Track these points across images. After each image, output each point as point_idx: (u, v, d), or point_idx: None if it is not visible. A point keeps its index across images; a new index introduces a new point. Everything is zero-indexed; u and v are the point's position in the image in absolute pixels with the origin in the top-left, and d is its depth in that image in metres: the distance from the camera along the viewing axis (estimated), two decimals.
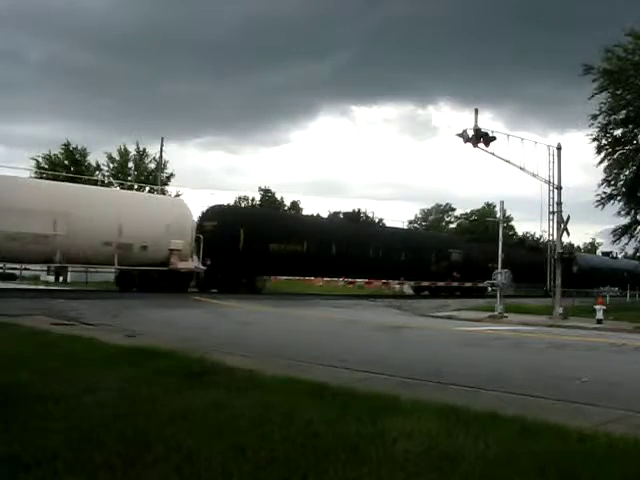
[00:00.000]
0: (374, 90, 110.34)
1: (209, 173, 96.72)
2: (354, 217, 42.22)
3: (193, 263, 25.08)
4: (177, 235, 24.04)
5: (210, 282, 26.90)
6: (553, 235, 22.01)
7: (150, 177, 39.68)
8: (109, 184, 38.98)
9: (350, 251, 31.87)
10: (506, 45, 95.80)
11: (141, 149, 40.15)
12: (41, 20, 77.87)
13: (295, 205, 58.26)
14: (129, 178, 39.39)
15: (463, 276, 38.02)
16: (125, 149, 39.80)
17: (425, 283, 37.24)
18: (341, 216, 42.49)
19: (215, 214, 28.92)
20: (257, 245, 27.53)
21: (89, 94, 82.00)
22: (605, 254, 64.16)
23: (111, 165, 39.60)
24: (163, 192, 38.00)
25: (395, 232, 41.76)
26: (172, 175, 40.70)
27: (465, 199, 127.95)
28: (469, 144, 20.24)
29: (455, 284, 37.58)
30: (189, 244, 24.76)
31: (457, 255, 38.91)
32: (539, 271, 38.01)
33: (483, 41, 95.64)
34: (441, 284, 36.93)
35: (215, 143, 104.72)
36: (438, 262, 37.41)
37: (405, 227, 54.97)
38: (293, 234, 29.70)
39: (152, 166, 40.23)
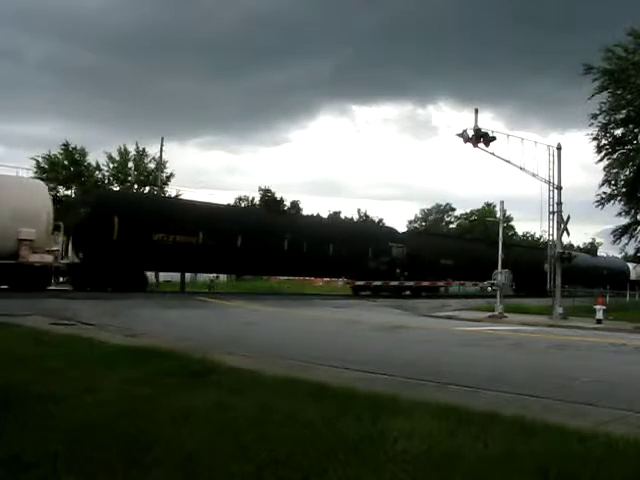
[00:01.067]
0: (374, 89, 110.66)
1: (209, 173, 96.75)
2: (272, 205, 36.36)
3: (50, 256, 21.40)
4: (28, 222, 20.29)
5: (86, 278, 23.86)
6: (553, 235, 22.01)
7: (150, 177, 39.66)
8: (109, 184, 39.01)
9: (260, 244, 26.99)
10: (506, 44, 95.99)
11: (140, 149, 40.15)
12: (40, 19, 77.95)
13: (295, 205, 58.27)
14: (129, 178, 39.38)
15: (411, 274, 34.05)
16: (125, 149, 39.81)
17: (360, 282, 32.88)
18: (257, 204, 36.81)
19: (89, 199, 25.98)
20: (136, 235, 23.91)
21: (88, 94, 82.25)
22: (586, 251, 63.01)
23: (111, 165, 39.58)
24: (163, 192, 38.02)
25: (321, 222, 37.70)
26: (172, 175, 40.71)
27: (465, 199, 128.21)
28: (469, 144, 20.26)
29: (395, 283, 33.00)
30: (44, 233, 21.02)
31: (399, 250, 34.33)
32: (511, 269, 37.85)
33: (483, 40, 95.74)
34: (378, 283, 32.26)
35: (215, 143, 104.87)
36: (377, 258, 32.82)
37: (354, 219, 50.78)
38: (185, 223, 25.59)
39: (152, 166, 40.22)
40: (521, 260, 38.36)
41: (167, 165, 40.23)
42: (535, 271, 36.77)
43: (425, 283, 34.61)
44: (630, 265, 56.48)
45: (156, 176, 38.64)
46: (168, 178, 40.18)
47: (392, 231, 39.33)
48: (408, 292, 34.67)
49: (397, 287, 33.52)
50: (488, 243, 41.53)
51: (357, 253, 31.51)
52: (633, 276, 55.06)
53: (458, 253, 38.31)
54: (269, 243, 27.49)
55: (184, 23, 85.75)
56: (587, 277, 46.15)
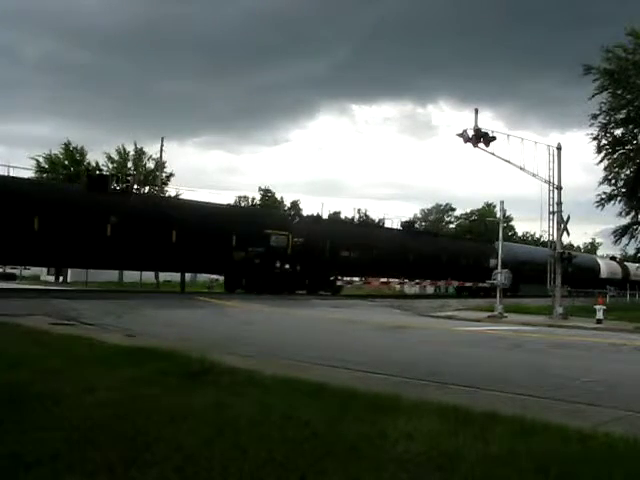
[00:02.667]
0: (373, 89, 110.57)
1: (208, 173, 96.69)
2: (97, 182, 24.52)
3: None
4: None
5: None
6: (553, 235, 22.01)
7: (150, 177, 39.65)
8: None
9: (59, 227, 20.49)
10: (506, 44, 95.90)
11: (138, 148, 40.16)
12: (38, 18, 77.86)
13: (295, 205, 58.30)
14: (128, 178, 39.35)
15: (305, 268, 28.78)
16: (124, 149, 39.82)
17: (218, 277, 27.77)
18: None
19: None
20: None
21: (87, 93, 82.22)
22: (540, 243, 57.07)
23: (110, 165, 39.58)
24: (162, 192, 38.02)
25: (158, 202, 27.94)
26: (172, 175, 40.72)
27: (465, 199, 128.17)
28: (469, 144, 20.24)
29: (281, 278, 27.41)
30: None
31: (280, 239, 27.44)
32: (440, 263, 34.53)
33: (483, 39, 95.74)
34: (257, 278, 26.66)
35: (214, 142, 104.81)
36: (245, 247, 26.05)
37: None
38: None
39: (150, 165, 40.23)
40: (461, 254, 37.00)
41: (167, 165, 40.27)
42: (477, 267, 35.45)
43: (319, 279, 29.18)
44: (601, 262, 53.31)
45: (156, 176, 38.66)
46: (168, 178, 40.21)
47: (279, 216, 34.05)
48: (303, 291, 29.06)
49: (278, 283, 27.29)
50: (414, 233, 38.28)
51: (214, 242, 24.62)
52: (605, 274, 50.42)
53: (373, 244, 32.13)
54: (85, 227, 21.21)
55: (183, 22, 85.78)
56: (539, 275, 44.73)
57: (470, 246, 40.89)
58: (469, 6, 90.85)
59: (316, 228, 30.54)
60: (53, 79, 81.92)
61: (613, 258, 58.45)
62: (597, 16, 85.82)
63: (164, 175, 39.59)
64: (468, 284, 39.28)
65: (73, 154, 38.31)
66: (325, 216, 38.93)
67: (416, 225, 50.31)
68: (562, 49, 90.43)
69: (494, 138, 20.44)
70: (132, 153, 40.05)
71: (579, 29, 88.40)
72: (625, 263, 57.31)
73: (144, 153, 40.12)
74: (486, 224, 54.68)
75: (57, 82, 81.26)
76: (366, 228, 38.89)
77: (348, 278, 33.56)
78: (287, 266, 28.28)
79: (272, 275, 27.32)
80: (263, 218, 29.70)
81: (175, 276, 31.43)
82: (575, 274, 44.54)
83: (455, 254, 36.94)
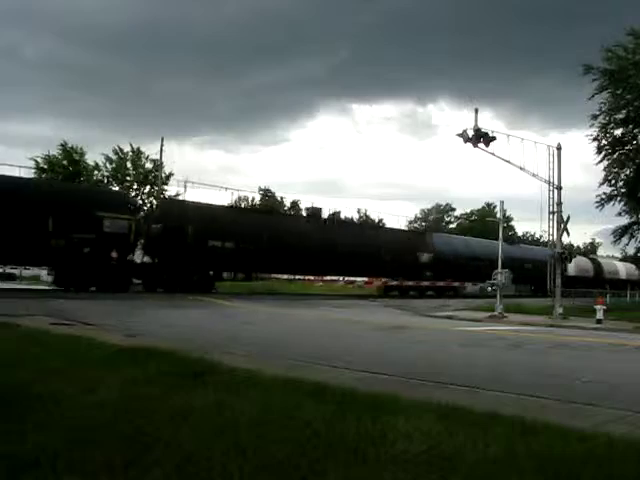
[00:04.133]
0: (373, 88, 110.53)
1: (207, 172, 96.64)
2: None
3: None
4: None
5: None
6: (553, 235, 22.00)
7: (149, 177, 39.64)
8: (108, 184, 39.02)
9: None
10: (506, 43, 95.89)
11: (135, 148, 40.14)
12: (37, 17, 77.80)
13: (295, 205, 58.29)
14: (127, 178, 39.39)
15: (164, 262, 24.59)
16: (120, 149, 39.82)
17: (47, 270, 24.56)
18: None
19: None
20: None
21: (87, 93, 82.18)
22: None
23: (109, 166, 39.60)
24: (162, 192, 38.03)
25: None
26: (171, 174, 40.69)
27: (465, 199, 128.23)
28: (469, 144, 20.25)
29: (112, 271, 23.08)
30: None
31: (116, 224, 23.28)
32: (368, 257, 30.87)
33: (483, 39, 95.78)
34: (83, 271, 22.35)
35: (213, 142, 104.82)
36: (67, 233, 21.85)
37: None
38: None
39: (149, 165, 40.22)
40: (386, 247, 33.23)
41: (166, 164, 40.25)
42: (408, 262, 33.17)
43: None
44: None
45: (155, 175, 38.66)
46: (167, 177, 40.19)
47: (118, 197, 28.27)
48: (162, 289, 24.83)
49: (118, 278, 23.37)
50: (321, 222, 32.45)
51: (24, 226, 20.54)
52: (572, 271, 44.92)
53: (259, 233, 27.49)
54: None
55: (182, 22, 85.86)
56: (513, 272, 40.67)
57: (400, 238, 36.18)
58: (469, 6, 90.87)
59: (177, 213, 25.67)
60: (52, 78, 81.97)
61: (585, 255, 55.83)
62: (597, 15, 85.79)
63: (164, 175, 39.57)
64: (393, 282, 35.08)
65: (71, 154, 38.30)
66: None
67: (344, 216, 44.70)
68: (562, 49, 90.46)
69: (494, 138, 20.45)
70: (130, 153, 40.07)
71: (579, 29, 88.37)
72: (599, 260, 54.07)
73: (142, 153, 40.13)
74: (486, 224, 54.69)
75: (56, 81, 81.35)
76: (253, 215, 32.88)
77: (226, 274, 30.00)
78: (137, 257, 24.70)
79: (108, 268, 23.03)
80: (93, 198, 24.52)
81: None
82: (535, 271, 39.66)
83: (377, 247, 32.68)
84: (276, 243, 27.86)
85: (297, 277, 40.37)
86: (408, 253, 34.03)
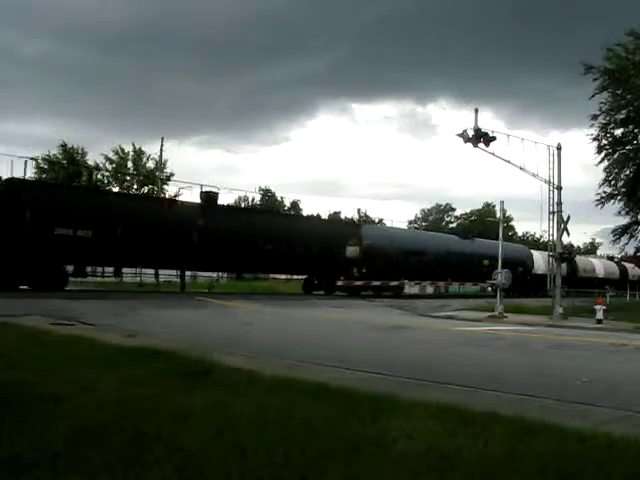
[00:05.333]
0: (373, 87, 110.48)
1: (207, 172, 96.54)
2: None
3: None
4: None
5: None
6: (553, 235, 22.01)
7: (150, 176, 39.63)
8: (108, 184, 39.02)
9: None
10: (506, 42, 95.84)
11: (137, 148, 40.15)
12: (36, 17, 77.70)
13: (295, 205, 58.32)
14: (127, 178, 39.38)
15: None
16: (122, 149, 39.82)
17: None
18: None
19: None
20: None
21: (86, 92, 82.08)
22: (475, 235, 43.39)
23: (109, 166, 39.60)
24: (163, 192, 38.03)
25: None
26: (172, 174, 40.68)
27: (465, 199, 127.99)
28: (469, 144, 20.25)
29: None
30: None
31: None
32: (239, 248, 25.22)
33: (483, 38, 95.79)
34: None
35: (213, 142, 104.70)
36: None
37: None
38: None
39: (150, 165, 40.22)
40: (301, 239, 28.24)
41: (167, 165, 40.23)
42: (330, 258, 28.67)
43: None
44: (536, 254, 43.38)
45: (155, 175, 38.66)
46: (168, 178, 40.19)
47: None
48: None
49: None
50: (213, 208, 27.30)
51: None
52: (542, 269, 40.30)
53: (122, 218, 23.15)
54: None
55: (182, 21, 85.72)
56: (460, 269, 33.96)
57: (321, 229, 31.24)
58: (469, 5, 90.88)
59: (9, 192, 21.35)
60: (51, 78, 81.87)
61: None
62: (597, 15, 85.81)
63: (164, 175, 39.58)
64: (316, 281, 31.04)
65: (71, 154, 38.29)
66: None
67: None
68: (563, 48, 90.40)
69: (494, 138, 20.45)
70: (132, 153, 40.06)
71: (580, 28, 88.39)
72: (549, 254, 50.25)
73: (143, 153, 40.15)
74: (486, 224, 54.66)
75: (55, 81, 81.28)
76: (122, 199, 27.31)
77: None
78: None
79: None
80: None
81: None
82: (496, 268, 36.20)
83: (289, 239, 27.86)
84: (144, 233, 23.25)
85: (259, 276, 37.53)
86: (335, 247, 29.08)
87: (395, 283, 31.23)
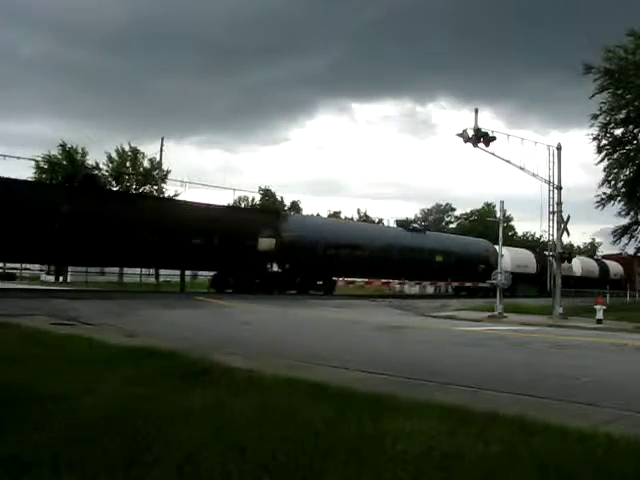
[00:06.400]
0: (373, 87, 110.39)
1: (206, 172, 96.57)
2: None
3: None
4: None
5: None
6: (553, 235, 22.01)
7: (147, 176, 39.58)
8: (108, 184, 38.99)
9: None
10: (506, 42, 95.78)
11: (133, 147, 40.11)
12: (35, 16, 77.63)
13: (295, 205, 58.31)
14: (126, 177, 39.35)
15: None
16: (122, 149, 39.81)
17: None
18: None
19: None
20: None
21: (85, 92, 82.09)
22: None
23: (109, 166, 39.57)
24: (161, 191, 38.00)
25: None
26: (168, 172, 40.57)
27: (465, 199, 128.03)
28: (469, 144, 20.26)
29: None
30: None
31: None
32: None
33: (483, 38, 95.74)
34: None
35: (212, 142, 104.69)
36: None
37: None
38: None
39: (146, 164, 40.15)
40: (209, 230, 24.90)
41: (164, 163, 40.13)
42: (239, 249, 25.29)
43: None
44: (502, 251, 38.36)
45: (153, 175, 38.62)
46: (165, 176, 40.11)
47: None
48: None
49: None
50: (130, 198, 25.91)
51: None
52: (509, 267, 37.15)
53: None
54: None
55: (181, 20, 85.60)
56: (407, 266, 30.49)
57: (227, 218, 27.48)
58: (469, 4, 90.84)
59: None
60: (50, 78, 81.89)
61: (531, 248, 46.12)
62: (598, 14, 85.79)
63: (162, 174, 39.50)
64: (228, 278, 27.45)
65: (71, 154, 38.28)
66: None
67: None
68: (563, 48, 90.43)
69: (494, 138, 20.46)
70: (129, 153, 40.02)
71: (580, 27, 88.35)
72: (545, 254, 42.55)
73: (139, 152, 40.09)
74: (486, 224, 54.61)
75: (55, 81, 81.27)
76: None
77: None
78: None
79: None
80: None
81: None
82: (455, 266, 32.40)
83: (184, 228, 24.41)
84: None
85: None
86: (248, 239, 25.89)
87: (321, 282, 28.56)
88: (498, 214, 30.05)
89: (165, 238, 23.55)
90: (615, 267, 51.21)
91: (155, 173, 38.53)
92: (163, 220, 24.20)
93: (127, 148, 40.06)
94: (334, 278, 29.23)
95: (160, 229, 23.74)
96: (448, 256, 33.61)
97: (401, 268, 30.55)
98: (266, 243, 25.85)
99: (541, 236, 44.91)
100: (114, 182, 39.27)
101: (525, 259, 41.37)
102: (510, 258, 37.49)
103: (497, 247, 37.42)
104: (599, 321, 18.41)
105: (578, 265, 45.13)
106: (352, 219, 43.35)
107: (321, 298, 26.07)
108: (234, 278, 26.62)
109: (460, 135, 20.33)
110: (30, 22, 78.10)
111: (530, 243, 63.14)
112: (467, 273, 34.00)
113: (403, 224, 36.06)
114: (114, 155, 39.46)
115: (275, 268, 27.09)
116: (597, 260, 51.76)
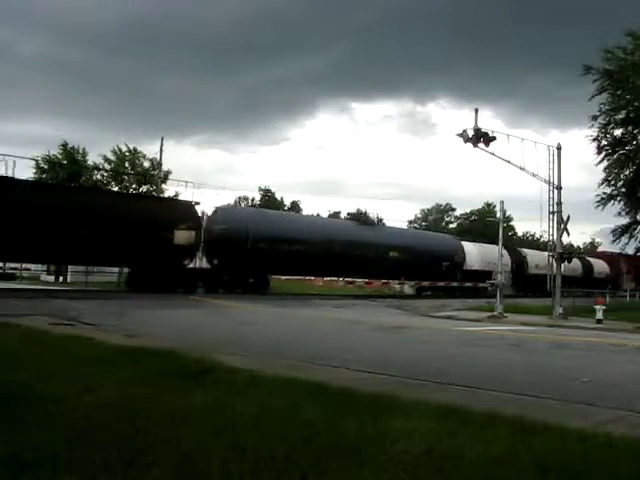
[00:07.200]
0: (372, 87, 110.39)
1: (206, 172, 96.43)
2: None
3: None
4: None
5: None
6: (553, 235, 22.01)
7: (147, 176, 39.59)
8: (107, 184, 39.02)
9: None
10: (506, 41, 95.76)
11: (131, 148, 40.12)
12: (34, 16, 77.57)
13: (295, 205, 58.34)
14: (125, 177, 39.35)
15: None
16: (120, 149, 39.81)
17: None
18: None
19: None
20: None
21: (84, 92, 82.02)
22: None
23: (108, 166, 39.57)
24: (161, 191, 38.01)
25: None
26: (169, 172, 40.60)
27: (465, 199, 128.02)
28: (469, 144, 20.26)
29: None
30: None
31: None
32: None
33: (483, 37, 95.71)
34: None
35: (212, 141, 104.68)
36: None
37: None
38: None
39: (146, 164, 40.16)
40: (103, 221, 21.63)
41: (164, 163, 40.12)
42: (154, 244, 22.44)
43: None
44: (468, 246, 35.86)
45: (152, 175, 38.63)
46: (165, 176, 40.12)
47: None
48: None
49: None
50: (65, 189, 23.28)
51: None
52: (476, 264, 34.62)
53: None
54: None
55: (181, 20, 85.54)
56: (356, 262, 28.04)
57: (136, 209, 23.78)
58: (469, 4, 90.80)
59: None
60: (50, 78, 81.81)
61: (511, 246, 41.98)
62: (597, 14, 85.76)
63: (162, 174, 39.51)
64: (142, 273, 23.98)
65: (72, 154, 38.28)
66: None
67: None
68: (562, 48, 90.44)
69: (494, 138, 20.47)
70: (127, 153, 40.03)
71: (580, 27, 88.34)
72: (523, 250, 41.26)
73: (138, 152, 40.10)
74: (486, 224, 54.57)
75: (55, 81, 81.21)
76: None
77: None
78: None
79: None
80: None
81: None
82: (409, 263, 29.33)
83: (66, 217, 21.19)
84: None
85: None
86: (165, 232, 23.00)
87: (253, 279, 26.13)
88: (498, 214, 29.80)
89: (53, 229, 20.57)
90: (600, 265, 47.97)
91: (155, 173, 38.52)
92: (90, 213, 21.68)
93: (124, 148, 40.08)
94: (269, 276, 27.14)
95: (49, 219, 20.70)
96: (405, 252, 30.18)
97: (345, 265, 27.94)
98: (183, 236, 22.72)
99: (541, 236, 44.73)
100: (113, 182, 39.27)
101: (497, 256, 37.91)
102: (479, 255, 34.40)
103: (463, 244, 34.77)
104: (599, 321, 18.41)
105: None
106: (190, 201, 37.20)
107: (249, 298, 23.25)
108: (149, 275, 23.55)
109: (460, 135, 20.34)
110: (30, 22, 78.10)
111: (530, 243, 63.11)
112: (428, 271, 30.97)
113: (356, 217, 31.89)
114: (110, 155, 39.44)
115: (199, 264, 25.01)
116: (580, 258, 48.98)
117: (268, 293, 26.35)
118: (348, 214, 31.55)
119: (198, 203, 25.47)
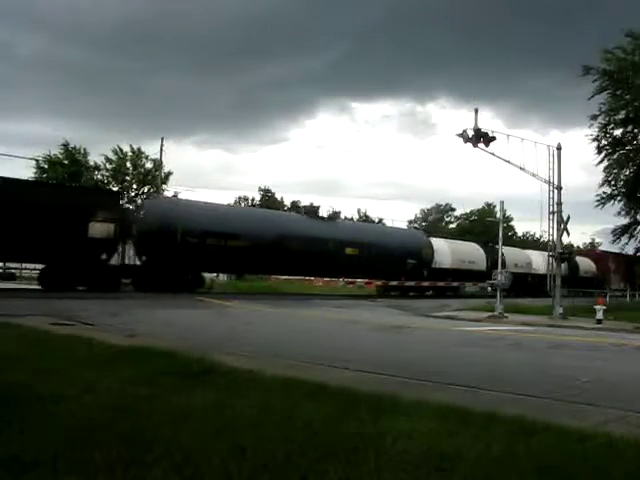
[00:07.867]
0: (372, 86, 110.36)
1: (206, 172, 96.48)
2: None
3: None
4: None
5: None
6: (553, 235, 22.01)
7: (148, 176, 39.62)
8: (108, 184, 39.04)
9: None
10: (506, 41, 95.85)
11: (135, 148, 40.16)
12: (34, 16, 77.55)
13: (295, 205, 58.28)
14: (127, 178, 39.38)
15: None
16: (120, 149, 39.83)
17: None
18: None
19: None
20: None
21: (84, 92, 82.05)
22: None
23: (108, 166, 39.60)
24: (162, 191, 38.03)
25: None
26: (170, 173, 40.66)
27: (465, 199, 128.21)
28: (469, 144, 20.26)
29: None
30: None
31: None
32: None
33: (483, 37, 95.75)
34: None
35: (212, 141, 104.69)
36: None
37: None
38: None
39: (149, 165, 40.22)
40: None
41: (165, 164, 40.21)
42: (76, 237, 20.67)
43: None
44: (438, 243, 32.92)
45: (154, 175, 38.66)
46: (167, 177, 40.18)
47: None
48: None
49: None
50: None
51: None
52: (447, 262, 32.33)
53: None
54: None
55: (181, 20, 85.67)
56: (306, 259, 26.34)
57: (49, 197, 21.60)
58: (469, 4, 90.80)
59: None
60: (50, 78, 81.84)
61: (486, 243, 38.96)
62: (597, 14, 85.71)
63: (163, 174, 39.56)
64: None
65: (73, 154, 38.29)
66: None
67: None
68: (562, 48, 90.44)
69: (494, 138, 20.46)
70: (130, 153, 40.05)
71: (580, 26, 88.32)
72: (502, 248, 35.07)
73: (142, 153, 40.16)
74: (486, 224, 54.55)
75: (55, 81, 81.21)
76: None
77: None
78: None
79: None
80: None
81: None
82: (370, 261, 27.05)
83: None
84: None
85: None
86: (76, 224, 21.06)
87: (186, 277, 24.43)
88: (498, 214, 29.67)
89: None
90: (586, 264, 45.50)
91: (157, 173, 38.55)
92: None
93: (126, 148, 40.10)
94: (205, 274, 25.58)
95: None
96: (364, 249, 27.94)
97: (295, 262, 26.12)
98: (100, 229, 20.75)
99: (541, 236, 44.77)
100: (114, 182, 39.29)
101: (471, 254, 34.64)
102: (449, 252, 31.87)
103: (432, 241, 32.27)
104: (599, 321, 18.41)
105: (540, 261, 37.49)
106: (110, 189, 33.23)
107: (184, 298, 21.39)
108: (64, 272, 21.47)
109: (460, 135, 20.34)
110: (30, 22, 78.11)
111: (530, 243, 63.09)
112: (392, 269, 28.72)
113: (309, 210, 29.00)
114: (111, 155, 39.47)
115: (127, 260, 23.48)
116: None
117: (205, 293, 24.70)
118: (303, 207, 28.95)
119: (122, 193, 23.54)
